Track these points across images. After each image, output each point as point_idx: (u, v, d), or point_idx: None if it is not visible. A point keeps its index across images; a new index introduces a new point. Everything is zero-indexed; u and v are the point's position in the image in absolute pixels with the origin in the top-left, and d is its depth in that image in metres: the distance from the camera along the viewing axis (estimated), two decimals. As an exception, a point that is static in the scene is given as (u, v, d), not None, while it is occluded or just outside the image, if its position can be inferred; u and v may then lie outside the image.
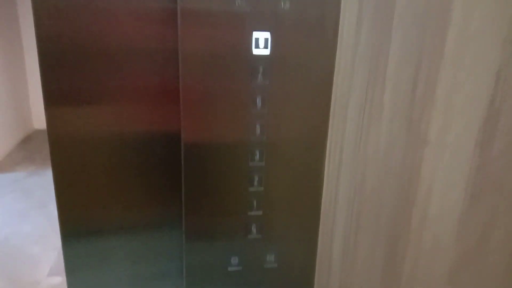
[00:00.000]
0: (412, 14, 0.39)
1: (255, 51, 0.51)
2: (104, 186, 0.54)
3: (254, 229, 0.59)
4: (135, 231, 0.57)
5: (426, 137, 0.38)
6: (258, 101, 0.54)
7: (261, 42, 0.51)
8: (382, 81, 0.44)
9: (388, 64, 0.42)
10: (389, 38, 0.42)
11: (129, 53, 0.50)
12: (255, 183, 0.57)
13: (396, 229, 0.47)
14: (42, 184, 2.61)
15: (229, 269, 0.60)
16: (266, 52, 0.52)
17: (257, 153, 0.56)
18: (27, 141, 3.42)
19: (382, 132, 0.45)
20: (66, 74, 0.49)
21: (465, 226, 0.39)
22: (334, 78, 0.51)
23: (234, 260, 0.59)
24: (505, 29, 0.32)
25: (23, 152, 3.12)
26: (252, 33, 0.51)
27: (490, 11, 0.32)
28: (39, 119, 3.72)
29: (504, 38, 0.32)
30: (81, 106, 0.50)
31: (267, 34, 0.51)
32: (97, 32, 0.48)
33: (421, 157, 0.40)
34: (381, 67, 0.44)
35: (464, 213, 0.38)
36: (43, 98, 0.49)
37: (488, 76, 0.32)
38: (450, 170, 0.37)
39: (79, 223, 0.55)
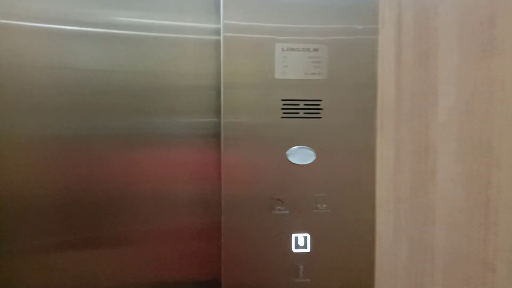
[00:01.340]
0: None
1: (295, 250, 0.54)
2: None
3: None
4: None
5: None
6: None
7: (300, 241, 0.55)
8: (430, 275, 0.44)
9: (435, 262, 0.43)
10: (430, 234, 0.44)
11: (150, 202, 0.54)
12: None
13: None
14: None
15: None
16: (306, 250, 0.54)
17: None
18: None
19: None
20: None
21: None
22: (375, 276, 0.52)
23: None
24: None
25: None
26: (291, 233, 0.54)
27: None
28: None
29: None
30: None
31: (306, 234, 0.55)
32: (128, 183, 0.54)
33: None
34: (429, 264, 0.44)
35: None
36: None
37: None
38: None
39: None
